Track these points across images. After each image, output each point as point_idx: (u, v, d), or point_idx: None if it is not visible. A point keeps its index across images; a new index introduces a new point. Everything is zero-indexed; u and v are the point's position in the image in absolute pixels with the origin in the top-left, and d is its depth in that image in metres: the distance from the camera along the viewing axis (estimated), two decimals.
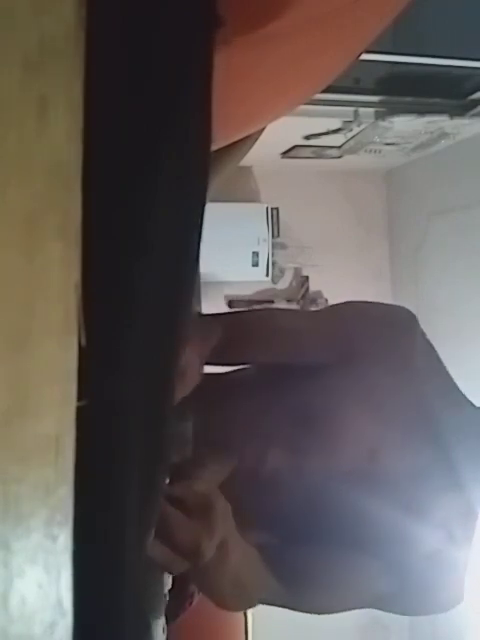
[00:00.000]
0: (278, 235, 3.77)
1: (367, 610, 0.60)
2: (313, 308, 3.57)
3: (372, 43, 0.53)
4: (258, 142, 0.71)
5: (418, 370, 0.62)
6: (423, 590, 0.58)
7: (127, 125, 0.35)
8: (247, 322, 0.65)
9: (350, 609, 0.58)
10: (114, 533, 0.37)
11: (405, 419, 0.60)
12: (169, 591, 0.65)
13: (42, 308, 0.24)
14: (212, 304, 3.41)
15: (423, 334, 0.64)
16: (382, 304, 0.68)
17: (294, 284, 3.91)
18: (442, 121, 2.87)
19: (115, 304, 0.34)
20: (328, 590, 0.58)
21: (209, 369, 0.62)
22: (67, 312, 0.25)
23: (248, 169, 3.75)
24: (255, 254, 3.69)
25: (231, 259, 3.54)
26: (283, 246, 3.80)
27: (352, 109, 2.80)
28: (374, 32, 0.52)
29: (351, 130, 2.96)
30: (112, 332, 0.34)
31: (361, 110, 2.82)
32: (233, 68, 0.44)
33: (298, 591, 0.56)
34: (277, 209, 3.76)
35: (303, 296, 3.86)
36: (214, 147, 0.42)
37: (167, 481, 0.49)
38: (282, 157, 3.49)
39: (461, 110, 2.82)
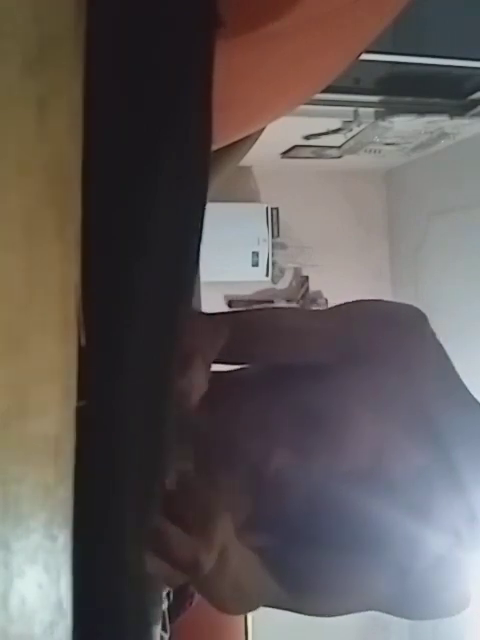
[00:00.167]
0: (278, 235, 3.77)
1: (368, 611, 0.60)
2: (313, 308, 3.57)
3: (372, 43, 0.53)
4: (258, 142, 0.71)
5: (421, 370, 0.62)
6: (428, 594, 0.58)
7: (127, 125, 0.35)
8: (253, 322, 0.65)
9: (352, 612, 0.58)
10: (114, 533, 0.37)
11: (408, 420, 0.60)
12: (169, 592, 0.65)
13: (42, 308, 0.24)
14: (212, 304, 3.41)
15: (432, 334, 0.63)
16: (390, 303, 0.68)
17: (294, 284, 3.91)
18: (442, 121, 2.87)
19: (115, 304, 0.34)
20: (330, 594, 0.58)
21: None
22: (67, 312, 0.25)
23: (248, 169, 3.75)
24: (255, 254, 3.69)
25: (231, 259, 3.54)
26: (283, 246, 3.80)
27: (352, 109, 2.80)
28: (374, 32, 0.52)
29: (351, 130, 2.96)
30: (112, 332, 0.34)
31: (361, 110, 2.82)
32: (234, 68, 0.44)
33: (300, 595, 0.56)
34: (277, 209, 3.76)
35: (303, 296, 3.86)
36: (214, 147, 0.42)
37: (166, 495, 0.49)
38: (282, 157, 3.48)
39: (461, 110, 2.82)
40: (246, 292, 3.81)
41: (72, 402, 0.26)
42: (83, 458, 0.27)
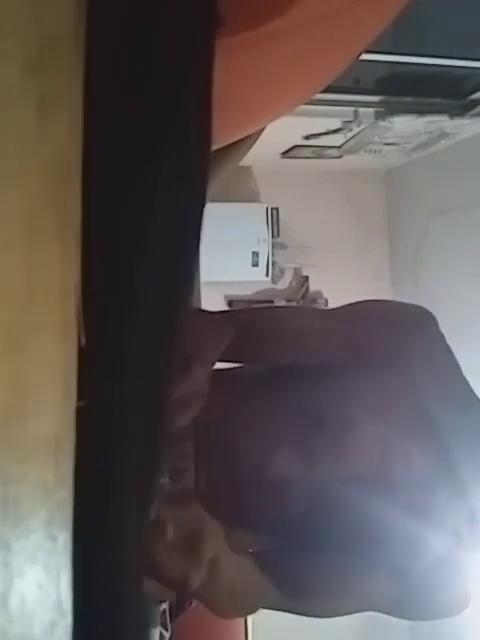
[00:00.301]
0: (278, 235, 3.77)
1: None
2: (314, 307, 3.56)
3: (372, 43, 0.53)
4: (258, 142, 0.71)
5: (423, 370, 0.62)
6: (428, 595, 0.58)
7: (127, 125, 0.35)
8: (255, 322, 0.65)
9: (351, 613, 0.58)
10: (114, 533, 0.37)
11: (409, 420, 0.60)
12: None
13: (42, 308, 0.24)
14: (212, 304, 3.41)
15: (439, 335, 0.62)
16: (395, 303, 0.68)
17: (294, 284, 3.91)
18: (442, 121, 2.87)
19: (115, 304, 0.34)
20: (330, 596, 0.57)
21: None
22: (67, 312, 0.25)
23: (248, 169, 3.75)
24: (255, 254, 3.69)
25: (231, 259, 3.54)
26: (283, 246, 3.80)
27: (352, 109, 2.80)
28: (374, 32, 0.52)
29: (351, 130, 2.96)
30: (112, 332, 0.34)
31: (361, 110, 2.81)
32: (234, 68, 0.44)
33: (299, 598, 0.56)
34: (277, 209, 3.76)
35: (303, 296, 3.86)
36: (214, 147, 0.42)
37: (157, 506, 0.49)
38: (282, 157, 3.48)
39: (461, 110, 2.82)
40: (246, 292, 3.80)
41: (72, 402, 0.26)
42: (83, 458, 0.27)
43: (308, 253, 3.82)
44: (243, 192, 3.74)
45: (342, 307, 0.66)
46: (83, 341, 0.26)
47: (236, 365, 0.68)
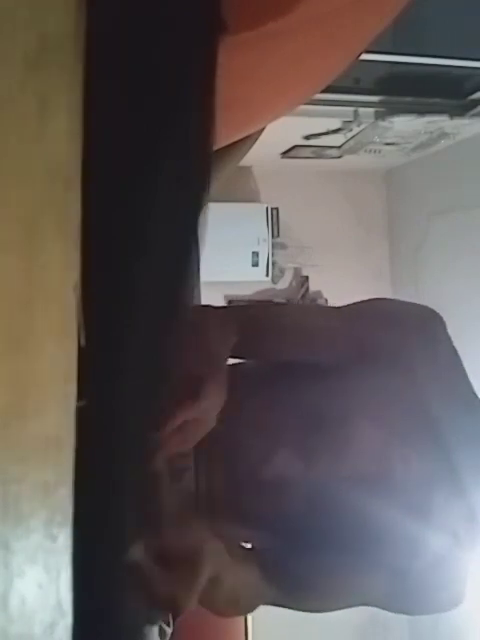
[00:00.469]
0: (278, 235, 3.77)
1: (367, 609, 0.60)
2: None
3: (372, 43, 0.53)
4: (258, 142, 0.71)
5: (424, 370, 0.61)
6: (425, 592, 0.58)
7: (127, 125, 0.35)
8: (259, 319, 0.64)
9: (347, 608, 0.58)
10: (114, 533, 0.37)
11: (409, 420, 0.60)
12: None
13: (42, 308, 0.24)
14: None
15: (444, 335, 0.62)
16: (400, 303, 0.68)
17: (294, 284, 3.91)
18: (442, 121, 2.87)
19: (115, 304, 0.34)
20: (327, 595, 0.58)
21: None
22: (67, 312, 0.25)
23: (248, 169, 3.75)
24: (255, 254, 3.69)
25: (231, 259, 3.54)
26: (283, 246, 3.80)
27: (352, 109, 2.80)
28: (374, 32, 0.52)
29: (351, 130, 2.96)
30: (112, 332, 0.34)
31: (361, 110, 2.81)
32: (234, 69, 0.44)
33: (298, 596, 0.56)
34: (277, 209, 3.75)
35: (303, 296, 3.86)
36: (214, 147, 0.42)
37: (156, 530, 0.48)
38: (282, 157, 3.48)
39: (461, 110, 2.82)
40: (246, 292, 3.80)
41: (72, 402, 0.26)
42: (83, 458, 0.27)
43: (308, 253, 3.81)
44: (243, 192, 3.74)
45: (346, 306, 0.66)
46: (83, 341, 0.26)
47: (237, 361, 0.68)
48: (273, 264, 3.74)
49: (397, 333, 0.63)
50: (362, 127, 2.92)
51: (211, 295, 3.47)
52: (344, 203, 3.96)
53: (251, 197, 3.82)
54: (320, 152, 3.36)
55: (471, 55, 2.45)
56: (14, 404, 0.23)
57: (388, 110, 2.81)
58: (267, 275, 3.73)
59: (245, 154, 0.72)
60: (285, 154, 3.44)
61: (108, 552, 0.36)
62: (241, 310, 0.65)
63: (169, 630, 0.63)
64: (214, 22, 0.38)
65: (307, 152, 3.37)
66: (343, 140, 3.13)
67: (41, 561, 0.24)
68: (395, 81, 2.63)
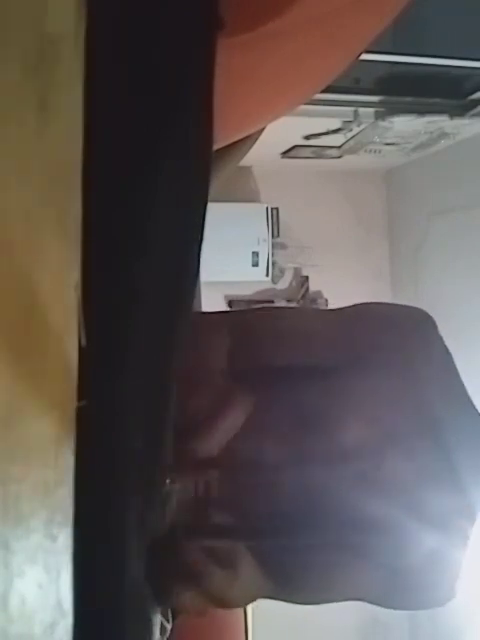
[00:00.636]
0: (278, 235, 3.77)
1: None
2: (314, 308, 3.56)
3: (372, 43, 0.53)
4: (258, 142, 0.71)
5: (423, 371, 0.62)
6: (417, 587, 0.58)
7: (127, 125, 0.35)
8: (254, 324, 0.65)
9: (341, 601, 0.58)
10: (114, 533, 0.37)
11: (407, 421, 0.60)
12: None
13: (42, 308, 0.24)
14: (212, 304, 3.41)
15: (437, 337, 0.63)
16: (395, 306, 0.68)
17: (294, 284, 3.91)
18: (442, 121, 2.87)
19: (115, 304, 0.34)
20: (322, 590, 0.58)
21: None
22: (67, 312, 0.25)
23: (248, 169, 3.75)
24: (255, 254, 3.69)
25: (231, 259, 3.54)
26: (283, 246, 3.80)
27: (352, 109, 2.80)
28: (374, 32, 0.52)
29: (351, 130, 2.96)
30: (112, 332, 0.34)
31: (361, 110, 2.81)
32: (234, 68, 0.44)
33: (292, 589, 0.56)
34: (277, 209, 3.76)
35: (303, 296, 3.86)
36: (214, 147, 0.42)
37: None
38: (282, 157, 3.48)
39: (461, 110, 2.82)
40: (246, 292, 3.81)
41: (72, 402, 0.26)
42: (83, 458, 0.27)
43: (308, 253, 3.82)
44: (243, 192, 3.74)
45: (341, 309, 0.67)
46: (83, 341, 0.26)
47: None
48: (273, 264, 3.74)
49: (394, 335, 0.63)
50: (362, 127, 2.92)
51: (211, 295, 3.48)
52: (344, 203, 3.96)
53: (251, 197, 3.82)
54: (320, 152, 3.36)
55: (471, 55, 2.45)
56: (14, 404, 0.23)
57: (388, 110, 2.81)
58: (267, 275, 3.73)
59: (245, 154, 0.73)
60: (285, 154, 3.44)
61: (108, 552, 0.36)
62: (233, 316, 0.66)
63: (169, 626, 0.63)
64: (213, 22, 0.38)
65: (307, 152, 3.37)
66: (343, 140, 3.14)
67: (41, 561, 0.24)
68: (395, 81, 2.63)
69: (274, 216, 3.75)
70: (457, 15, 2.36)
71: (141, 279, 0.36)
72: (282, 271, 3.83)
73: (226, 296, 3.76)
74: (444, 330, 0.67)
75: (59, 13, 0.23)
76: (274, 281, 3.81)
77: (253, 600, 0.57)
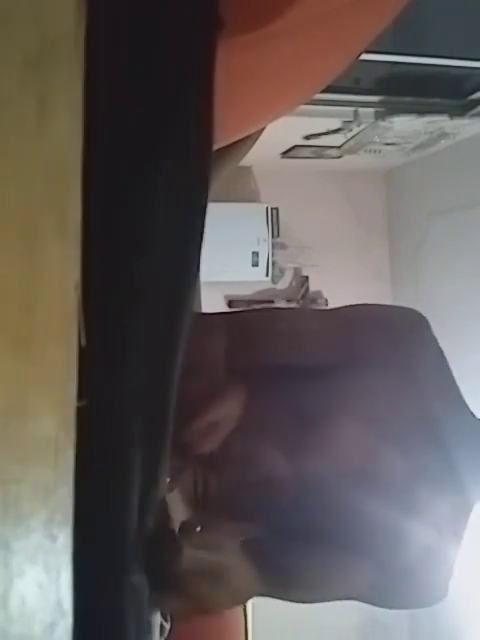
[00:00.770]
0: (278, 235, 3.77)
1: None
2: (313, 308, 3.56)
3: (372, 43, 0.53)
4: (258, 142, 0.71)
5: (421, 371, 0.62)
6: (413, 586, 0.58)
7: (127, 125, 0.35)
8: (251, 324, 0.65)
9: (335, 600, 0.59)
10: (114, 533, 0.37)
11: (406, 421, 0.60)
12: None
13: (42, 308, 0.24)
14: (212, 304, 3.41)
15: (432, 338, 0.63)
16: (389, 307, 0.68)
17: (294, 284, 3.91)
18: (442, 121, 2.88)
19: (115, 304, 0.34)
20: (315, 587, 0.58)
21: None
22: (67, 312, 0.25)
23: (248, 169, 3.75)
24: (255, 254, 3.69)
25: (231, 259, 3.54)
26: (283, 246, 3.80)
27: (352, 109, 2.80)
28: (374, 32, 0.52)
29: (351, 130, 2.96)
30: (112, 332, 0.34)
31: (361, 110, 2.82)
32: (233, 68, 0.44)
33: (285, 588, 0.56)
34: (277, 209, 3.76)
35: (303, 296, 3.86)
36: (214, 147, 0.42)
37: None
38: (282, 157, 3.49)
39: (461, 110, 2.82)
40: (246, 292, 3.81)
41: (72, 402, 0.26)
42: (83, 458, 0.27)
43: (308, 253, 3.82)
44: (243, 192, 3.74)
45: (337, 309, 0.67)
46: (83, 341, 0.26)
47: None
48: (273, 264, 3.75)
49: (390, 336, 0.63)
50: (362, 127, 2.93)
51: (211, 295, 3.48)
52: (344, 203, 3.96)
53: (251, 197, 3.82)
54: (320, 152, 3.36)
55: (471, 55, 2.45)
56: (14, 404, 0.23)
57: (388, 110, 2.81)
58: (267, 275, 3.73)
59: (245, 154, 0.73)
60: (285, 154, 3.45)
61: (108, 552, 0.36)
62: (230, 316, 0.66)
63: (168, 626, 0.63)
64: (213, 22, 0.38)
65: (307, 152, 3.38)
66: (343, 140, 3.14)
67: (41, 561, 0.24)
68: (395, 81, 2.63)
69: (274, 216, 3.75)
70: (457, 15, 2.36)
71: (141, 279, 0.36)
72: (282, 271, 3.83)
73: (226, 296, 3.76)
74: (443, 330, 0.67)
75: (59, 13, 0.23)
76: (274, 281, 3.82)
77: (248, 599, 0.57)
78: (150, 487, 0.43)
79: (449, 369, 0.63)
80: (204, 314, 0.66)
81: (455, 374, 0.67)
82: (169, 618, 0.63)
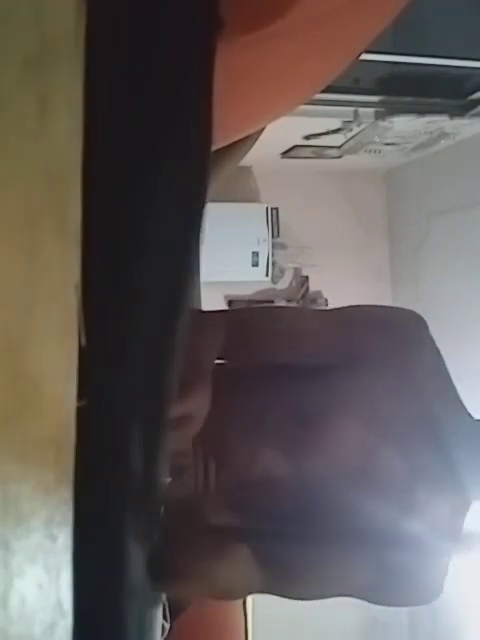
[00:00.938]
0: (278, 235, 3.77)
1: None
2: (313, 308, 3.56)
3: (372, 43, 0.53)
4: (258, 142, 0.71)
5: (419, 372, 0.62)
6: (406, 584, 0.58)
7: (127, 125, 0.35)
8: (250, 322, 0.65)
9: (331, 597, 0.59)
10: (114, 533, 0.37)
11: (406, 420, 0.60)
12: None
13: (42, 308, 0.24)
14: (212, 304, 3.41)
15: (430, 339, 0.63)
16: (387, 307, 0.68)
17: (294, 284, 3.91)
18: (442, 121, 2.88)
19: (115, 304, 0.34)
20: (313, 583, 0.58)
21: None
22: (67, 312, 0.25)
23: (248, 169, 3.75)
24: (255, 254, 3.69)
25: (231, 259, 3.54)
26: (283, 246, 3.80)
27: (352, 109, 2.80)
28: (374, 32, 0.52)
29: (351, 130, 2.96)
30: (112, 332, 0.34)
31: (361, 110, 2.82)
32: (233, 68, 0.44)
33: (286, 583, 0.56)
34: (277, 209, 3.76)
35: (303, 296, 3.86)
36: (214, 147, 0.42)
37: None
38: (282, 157, 3.49)
39: (461, 110, 2.82)
40: (246, 292, 3.81)
41: (72, 402, 0.26)
42: (83, 458, 0.27)
43: (308, 253, 3.82)
44: (243, 192, 3.74)
45: (335, 309, 0.67)
46: (83, 341, 0.26)
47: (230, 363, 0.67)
48: (273, 264, 3.75)
49: (389, 336, 0.63)
50: (362, 127, 2.93)
51: (211, 295, 3.48)
52: (344, 203, 3.96)
53: (251, 197, 3.82)
54: (320, 152, 3.36)
55: (471, 55, 2.45)
56: (14, 404, 0.23)
57: (388, 110, 2.82)
58: (267, 275, 3.73)
59: (245, 154, 0.73)
60: (285, 154, 3.45)
61: (108, 552, 0.36)
62: (229, 314, 0.65)
63: (167, 626, 0.63)
64: (213, 22, 0.38)
65: (307, 152, 3.38)
66: (343, 140, 3.14)
67: (41, 561, 0.24)
68: (395, 81, 2.63)
69: (274, 216, 3.75)
70: (457, 15, 2.36)
71: (141, 279, 0.36)
72: (282, 271, 3.83)
73: (226, 296, 3.76)
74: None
75: (59, 13, 0.23)
76: (274, 281, 3.82)
77: (247, 593, 0.57)
78: (150, 487, 0.43)
79: (446, 370, 0.63)
80: (202, 311, 0.66)
81: (454, 374, 0.67)
82: (169, 618, 0.63)
